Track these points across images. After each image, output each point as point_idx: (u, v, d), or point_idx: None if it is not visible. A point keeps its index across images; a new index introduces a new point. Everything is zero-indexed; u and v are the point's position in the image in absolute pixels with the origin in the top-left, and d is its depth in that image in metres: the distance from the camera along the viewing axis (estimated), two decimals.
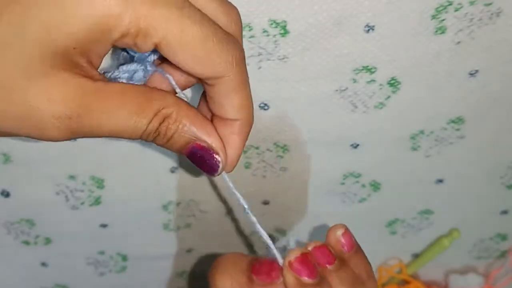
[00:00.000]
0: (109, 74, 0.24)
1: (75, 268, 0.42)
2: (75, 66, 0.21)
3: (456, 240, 0.43)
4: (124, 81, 0.24)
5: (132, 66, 0.25)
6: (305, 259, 0.25)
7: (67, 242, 0.40)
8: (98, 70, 0.23)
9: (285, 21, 0.29)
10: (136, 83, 0.25)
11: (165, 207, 0.39)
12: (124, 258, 0.42)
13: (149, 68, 0.25)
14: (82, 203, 0.37)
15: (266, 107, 0.33)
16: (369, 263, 0.28)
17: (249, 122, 0.25)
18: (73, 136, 0.22)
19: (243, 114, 0.25)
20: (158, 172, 0.36)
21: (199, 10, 0.22)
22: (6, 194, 0.36)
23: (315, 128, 0.35)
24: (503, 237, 0.44)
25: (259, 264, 0.26)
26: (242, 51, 0.24)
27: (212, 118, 0.25)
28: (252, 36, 0.29)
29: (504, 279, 0.46)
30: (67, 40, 0.20)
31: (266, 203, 0.39)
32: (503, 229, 0.44)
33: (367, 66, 0.31)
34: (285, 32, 0.29)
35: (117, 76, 0.24)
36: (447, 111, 0.35)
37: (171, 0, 0.21)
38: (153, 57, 0.25)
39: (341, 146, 0.36)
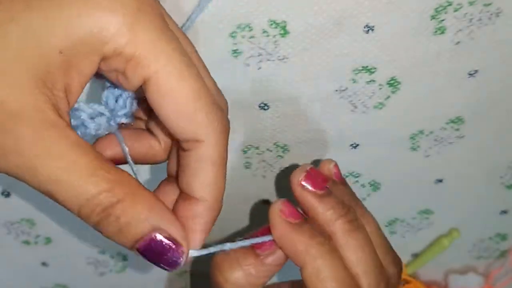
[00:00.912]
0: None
1: (75, 268, 0.42)
2: (47, 86, 0.19)
3: (456, 240, 0.43)
4: (85, 118, 0.22)
5: (100, 108, 0.22)
6: (311, 174, 0.26)
7: (67, 242, 0.40)
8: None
9: (285, 22, 0.29)
10: (93, 128, 0.22)
11: None
12: (125, 258, 0.42)
13: (112, 123, 0.23)
14: None
15: (266, 107, 0.33)
16: (354, 194, 0.29)
17: (216, 206, 0.23)
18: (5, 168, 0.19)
19: (213, 195, 0.22)
20: (159, 172, 0.36)
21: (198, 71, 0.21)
22: (7, 194, 0.36)
23: (315, 128, 0.35)
24: (503, 237, 0.45)
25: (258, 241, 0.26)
26: (227, 124, 0.22)
27: (179, 195, 0.23)
28: (252, 37, 0.29)
29: (504, 279, 0.46)
30: (54, 39, 0.18)
31: (266, 203, 0.39)
32: (503, 229, 0.44)
33: (367, 66, 0.31)
34: (285, 32, 0.29)
35: (79, 108, 0.22)
36: (447, 111, 0.35)
37: (178, 44, 0.19)
38: (123, 119, 0.23)
39: (340, 146, 0.36)
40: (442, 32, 0.30)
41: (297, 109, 0.33)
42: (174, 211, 0.23)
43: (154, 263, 0.21)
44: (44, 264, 0.41)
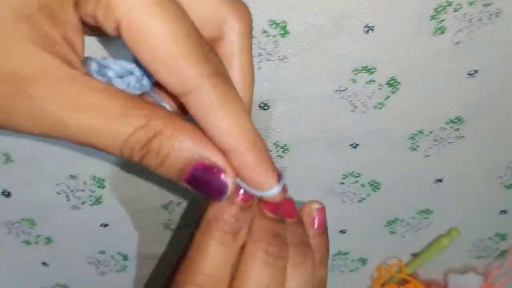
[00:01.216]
0: (98, 63, 0.20)
1: (76, 268, 0.42)
2: (49, 43, 0.18)
3: (455, 240, 0.43)
4: (132, 80, 0.21)
5: (129, 66, 0.21)
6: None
7: (68, 241, 0.40)
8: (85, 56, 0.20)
9: (285, 22, 0.29)
10: (137, 90, 0.21)
11: (165, 206, 0.39)
12: (125, 257, 0.42)
13: (144, 82, 0.21)
14: (83, 203, 0.37)
15: (266, 107, 0.33)
16: (327, 251, 0.27)
17: (247, 151, 0.20)
18: (38, 128, 0.19)
19: (236, 141, 0.20)
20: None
21: (178, 5, 0.18)
22: (7, 194, 0.36)
23: (315, 128, 0.35)
24: (503, 237, 0.45)
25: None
26: (221, 68, 0.19)
27: None
28: (252, 37, 0.29)
29: (503, 279, 0.46)
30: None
31: None
32: (502, 229, 0.44)
33: (367, 66, 0.32)
34: (285, 32, 0.29)
35: (106, 65, 0.20)
36: (446, 111, 0.35)
37: None
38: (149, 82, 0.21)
39: (340, 146, 0.36)
40: (442, 32, 0.30)
41: (297, 109, 0.33)
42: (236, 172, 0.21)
43: (204, 194, 0.20)
44: (44, 264, 0.42)
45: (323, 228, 0.26)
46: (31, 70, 0.18)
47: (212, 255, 0.23)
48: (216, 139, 0.20)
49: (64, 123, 0.18)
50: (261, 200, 0.24)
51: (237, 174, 0.21)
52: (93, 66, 0.20)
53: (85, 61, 0.20)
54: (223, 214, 0.23)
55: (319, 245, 0.26)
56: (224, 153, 0.20)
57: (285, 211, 0.25)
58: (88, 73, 0.20)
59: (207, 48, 0.19)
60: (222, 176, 0.20)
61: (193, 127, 0.20)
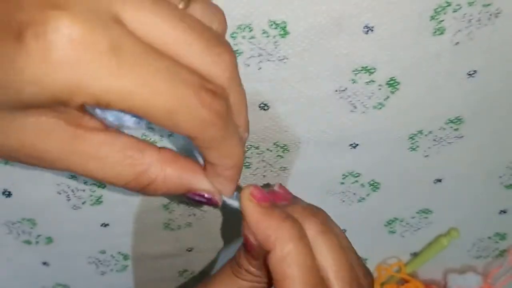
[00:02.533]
0: (112, 114, 0.22)
1: (76, 268, 0.42)
2: (51, 111, 0.20)
3: (455, 240, 0.43)
4: (129, 123, 0.22)
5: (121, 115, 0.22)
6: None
7: (68, 241, 0.40)
8: None
9: (285, 22, 0.29)
10: (137, 128, 0.23)
11: (165, 206, 0.39)
12: (125, 257, 0.42)
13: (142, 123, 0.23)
14: (84, 203, 0.37)
15: (266, 107, 0.33)
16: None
17: (234, 167, 0.24)
18: (59, 169, 0.22)
19: (225, 162, 0.23)
20: None
21: (170, 71, 0.19)
22: (8, 194, 0.36)
23: (315, 128, 0.35)
24: (502, 237, 0.45)
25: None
26: (219, 110, 0.21)
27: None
28: (252, 37, 0.30)
29: (503, 278, 0.46)
30: (32, 101, 0.19)
31: None
32: (502, 229, 0.44)
33: (366, 67, 0.32)
34: (285, 33, 0.29)
35: (119, 117, 0.22)
36: (446, 111, 0.35)
37: (135, 68, 0.18)
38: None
39: (340, 146, 0.36)
40: (442, 33, 0.31)
41: (297, 109, 0.33)
42: (204, 165, 0.25)
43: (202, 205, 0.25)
44: (45, 263, 0.42)
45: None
46: (38, 137, 0.21)
47: None
48: (212, 160, 0.23)
49: (72, 171, 0.22)
50: None
51: (210, 177, 0.25)
52: (97, 113, 0.22)
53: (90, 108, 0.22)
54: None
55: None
56: (213, 165, 0.24)
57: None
58: (91, 120, 0.22)
59: (202, 98, 0.20)
60: (212, 198, 0.25)
61: (182, 162, 0.24)
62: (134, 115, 0.22)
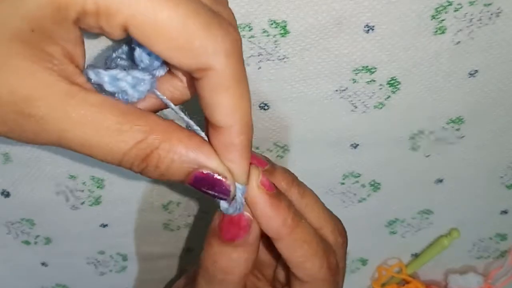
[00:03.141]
0: (108, 74, 0.21)
1: (75, 268, 0.42)
2: (46, 58, 0.18)
3: (455, 240, 0.43)
4: (126, 87, 0.21)
5: (139, 74, 0.21)
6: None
7: (67, 242, 0.40)
8: (91, 67, 0.20)
9: (285, 21, 0.29)
10: (135, 96, 0.21)
11: (165, 207, 0.39)
12: (124, 258, 0.42)
13: (156, 76, 0.22)
14: (82, 203, 0.37)
15: (266, 107, 0.33)
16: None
17: (244, 129, 0.21)
18: (43, 141, 0.19)
19: (236, 119, 0.21)
20: None
21: None
22: (6, 194, 0.36)
23: (315, 128, 0.35)
24: (503, 237, 0.45)
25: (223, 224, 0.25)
26: (236, 40, 0.19)
27: (207, 126, 0.22)
28: (252, 36, 0.29)
29: (503, 279, 0.46)
30: (20, 22, 0.17)
31: None
32: (502, 229, 0.44)
33: (367, 66, 0.31)
34: (285, 32, 0.29)
35: (118, 78, 0.21)
36: (447, 111, 0.35)
37: None
38: (161, 71, 0.22)
39: (341, 146, 0.36)
40: (442, 32, 0.30)
41: (297, 109, 0.33)
42: (211, 142, 0.22)
43: (209, 195, 0.21)
44: (44, 264, 0.41)
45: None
46: (28, 89, 0.18)
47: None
48: (216, 114, 0.20)
49: (64, 137, 0.19)
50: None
51: (224, 155, 0.21)
52: (91, 77, 0.20)
53: (85, 71, 0.21)
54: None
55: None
56: (216, 129, 0.21)
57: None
58: (88, 83, 0.20)
59: (219, 20, 0.19)
60: (223, 181, 0.21)
61: (189, 135, 0.21)
62: (134, 78, 0.21)
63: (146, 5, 0.17)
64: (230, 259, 0.25)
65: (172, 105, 0.22)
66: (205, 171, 0.21)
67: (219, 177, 0.21)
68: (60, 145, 0.20)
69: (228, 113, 0.20)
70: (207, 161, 0.21)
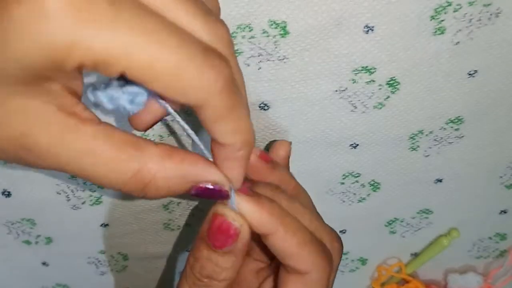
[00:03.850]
0: (104, 95, 0.21)
1: (76, 268, 0.42)
2: (43, 93, 0.19)
3: (455, 240, 0.43)
4: (125, 103, 0.21)
5: (135, 88, 0.21)
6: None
7: (68, 241, 0.40)
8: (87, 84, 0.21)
9: (285, 22, 0.29)
10: (134, 109, 0.22)
11: (165, 206, 0.39)
12: (125, 257, 0.42)
13: (138, 100, 0.22)
14: (83, 203, 0.37)
15: (266, 107, 0.33)
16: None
17: (246, 145, 0.23)
18: (48, 167, 0.20)
19: (236, 139, 0.22)
20: None
21: (173, 29, 0.19)
22: (7, 194, 0.36)
23: (315, 128, 0.35)
24: (502, 237, 0.45)
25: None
26: (227, 74, 0.20)
27: (211, 140, 0.23)
28: (252, 37, 0.29)
29: (503, 279, 0.46)
30: (18, 66, 0.17)
31: None
32: (502, 229, 0.44)
33: (367, 67, 0.32)
34: (285, 32, 0.29)
35: (114, 98, 0.21)
36: (446, 111, 0.35)
37: (136, 24, 0.18)
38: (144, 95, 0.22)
39: (340, 146, 0.36)
40: (442, 33, 0.30)
41: (297, 109, 0.33)
42: (213, 156, 0.23)
43: (210, 199, 0.23)
44: (44, 263, 0.42)
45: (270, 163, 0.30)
46: (26, 126, 0.19)
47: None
48: (216, 137, 0.22)
49: (64, 168, 0.20)
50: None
51: (219, 162, 0.23)
52: (91, 99, 0.21)
53: (84, 94, 0.21)
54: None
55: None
56: (218, 144, 0.22)
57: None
58: (86, 110, 0.20)
59: (211, 59, 0.20)
60: (223, 189, 0.23)
61: (183, 156, 0.22)
62: (130, 94, 0.21)
63: (143, 57, 0.18)
64: (216, 265, 0.25)
65: (171, 110, 0.23)
66: (203, 185, 0.22)
67: (218, 187, 0.23)
68: (62, 171, 0.20)
69: (227, 136, 0.22)
70: (205, 176, 0.22)
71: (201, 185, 0.22)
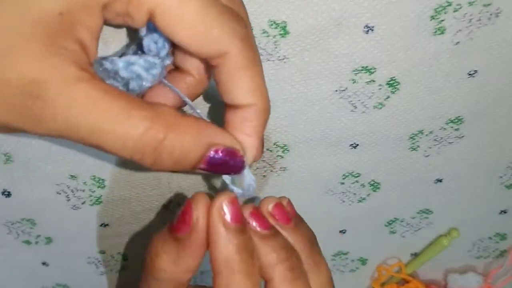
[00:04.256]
0: (122, 60, 0.21)
1: (76, 268, 0.42)
2: (61, 45, 0.19)
3: (455, 240, 0.43)
4: (140, 70, 0.22)
5: (150, 58, 0.22)
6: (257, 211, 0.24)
7: (68, 241, 0.40)
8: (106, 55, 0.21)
9: (285, 22, 0.29)
10: (149, 79, 0.22)
11: (165, 206, 0.39)
12: (125, 257, 0.42)
13: (165, 64, 0.23)
14: (83, 203, 0.37)
15: None
16: (312, 237, 0.26)
17: (264, 107, 0.22)
18: (50, 129, 0.19)
19: (255, 98, 0.22)
20: (159, 172, 0.36)
21: None
22: (7, 194, 0.36)
23: (315, 128, 0.35)
24: (502, 237, 0.45)
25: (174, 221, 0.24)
26: (247, 27, 0.21)
27: (226, 109, 0.23)
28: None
29: (503, 279, 0.46)
30: (53, 2, 0.18)
31: None
32: (502, 229, 0.44)
33: (367, 67, 0.32)
34: (285, 32, 0.29)
35: (131, 62, 0.21)
36: (446, 111, 0.35)
37: None
38: (167, 61, 0.23)
39: (340, 146, 0.36)
40: (442, 33, 0.30)
41: (297, 109, 0.33)
42: (226, 124, 0.23)
43: (220, 173, 0.22)
44: (44, 263, 0.42)
45: (292, 221, 0.26)
46: (38, 71, 0.18)
47: None
48: (237, 94, 0.22)
49: (72, 124, 0.19)
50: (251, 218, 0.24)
51: (238, 128, 0.22)
52: (106, 65, 0.21)
53: (95, 63, 0.21)
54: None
55: (304, 232, 0.26)
56: (235, 108, 0.22)
57: (280, 218, 0.26)
58: (97, 75, 0.20)
59: (230, 10, 0.20)
60: (238, 154, 0.22)
61: (196, 118, 0.21)
62: (146, 61, 0.21)
63: None
64: (171, 257, 0.24)
65: (179, 92, 0.23)
66: (219, 148, 0.21)
67: (233, 151, 0.22)
68: (67, 135, 0.19)
69: (248, 92, 0.21)
70: (219, 138, 0.21)
71: (215, 149, 0.21)
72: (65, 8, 0.18)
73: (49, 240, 0.40)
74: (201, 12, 0.19)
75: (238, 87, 0.21)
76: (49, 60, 0.18)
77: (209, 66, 0.22)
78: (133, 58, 0.22)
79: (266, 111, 0.23)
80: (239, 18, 0.21)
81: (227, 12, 0.20)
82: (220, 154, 0.21)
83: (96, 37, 0.20)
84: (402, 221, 0.42)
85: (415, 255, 0.45)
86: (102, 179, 0.36)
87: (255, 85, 0.22)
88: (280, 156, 0.36)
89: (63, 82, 0.18)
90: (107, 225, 0.39)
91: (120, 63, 0.21)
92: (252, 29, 0.29)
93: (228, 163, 0.22)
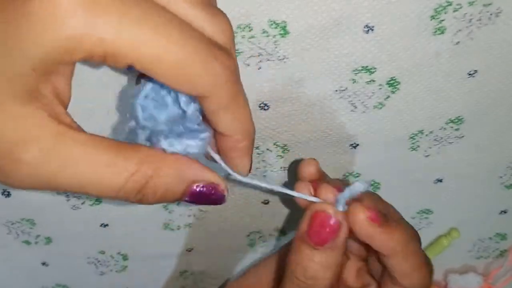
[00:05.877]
0: (161, 141, 0.22)
1: (75, 268, 0.42)
2: (37, 98, 0.19)
3: (455, 240, 0.43)
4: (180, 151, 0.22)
5: (189, 141, 0.23)
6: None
7: (67, 241, 0.40)
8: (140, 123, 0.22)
9: (285, 22, 0.29)
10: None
11: (165, 206, 0.39)
12: (125, 257, 0.42)
13: (203, 141, 0.23)
14: (83, 203, 0.37)
15: (266, 107, 0.33)
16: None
17: (247, 136, 0.24)
18: (32, 185, 0.20)
19: (237, 130, 0.23)
20: None
21: (179, 23, 0.19)
22: (7, 194, 0.36)
23: (315, 128, 0.35)
24: (503, 237, 0.45)
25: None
26: (230, 65, 0.21)
27: (215, 133, 0.24)
28: (252, 37, 0.29)
29: (503, 279, 0.46)
30: (26, 60, 0.18)
31: (266, 203, 0.39)
32: (502, 229, 0.44)
33: (367, 66, 0.32)
34: (285, 32, 0.29)
35: (173, 145, 0.22)
36: (446, 111, 0.35)
37: (144, 19, 0.18)
38: (207, 133, 0.23)
39: (340, 146, 0.36)
40: (442, 32, 0.30)
41: (297, 109, 0.33)
42: (218, 146, 0.24)
43: (205, 204, 0.23)
44: (44, 264, 0.42)
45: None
46: (19, 132, 0.19)
47: None
48: (219, 128, 0.23)
49: (55, 179, 0.19)
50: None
51: (225, 154, 0.24)
52: (164, 147, 0.22)
53: (161, 141, 0.22)
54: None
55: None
56: (222, 136, 0.23)
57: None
58: (73, 123, 0.20)
59: (215, 53, 0.20)
60: (219, 188, 0.23)
61: (176, 157, 0.22)
62: (186, 144, 0.22)
63: (152, 50, 0.19)
64: (319, 264, 0.26)
65: (217, 157, 0.24)
66: (200, 184, 0.22)
67: (214, 186, 0.23)
68: (48, 188, 0.20)
69: (229, 127, 0.23)
70: (201, 175, 0.22)
71: (196, 185, 0.22)
72: (39, 65, 0.18)
73: (49, 240, 0.40)
74: (183, 64, 0.19)
75: (221, 122, 0.22)
76: (29, 118, 0.19)
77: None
78: (174, 141, 0.22)
79: (248, 137, 0.24)
80: (223, 57, 0.20)
81: (212, 58, 0.20)
82: (203, 189, 0.22)
83: (70, 79, 0.21)
84: None
85: None
86: None
87: (236, 120, 0.23)
88: (280, 156, 0.36)
89: (45, 141, 0.19)
90: (107, 225, 0.39)
91: (164, 145, 0.22)
92: (252, 29, 0.29)
93: (210, 196, 0.23)
